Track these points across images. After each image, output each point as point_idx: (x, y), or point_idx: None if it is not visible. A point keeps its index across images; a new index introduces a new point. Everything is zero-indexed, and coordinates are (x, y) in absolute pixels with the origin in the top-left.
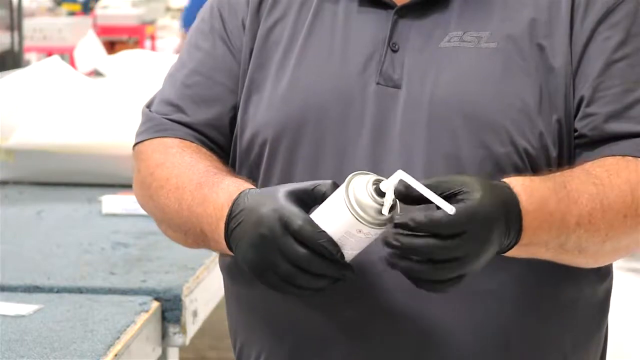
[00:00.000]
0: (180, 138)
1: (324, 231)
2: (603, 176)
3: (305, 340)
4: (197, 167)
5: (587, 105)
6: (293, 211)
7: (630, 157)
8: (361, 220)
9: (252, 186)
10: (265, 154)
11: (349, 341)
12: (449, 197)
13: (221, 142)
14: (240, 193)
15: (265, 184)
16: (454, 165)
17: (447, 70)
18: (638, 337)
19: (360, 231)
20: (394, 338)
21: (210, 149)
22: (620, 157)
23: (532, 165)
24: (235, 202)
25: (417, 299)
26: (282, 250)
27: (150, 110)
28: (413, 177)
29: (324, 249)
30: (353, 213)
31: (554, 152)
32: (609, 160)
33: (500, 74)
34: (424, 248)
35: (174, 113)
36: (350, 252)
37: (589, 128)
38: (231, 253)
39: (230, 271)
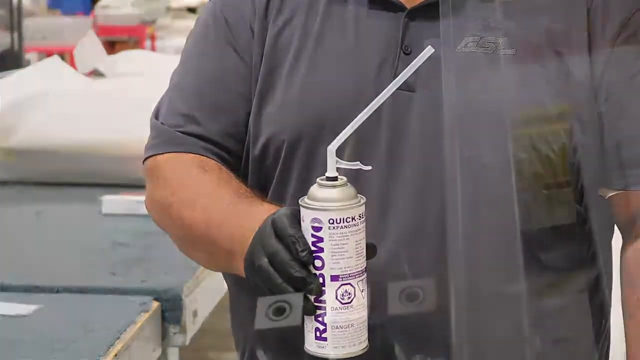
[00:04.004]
0: (196, 154)
1: (298, 233)
2: None
3: None
4: (227, 189)
5: (615, 121)
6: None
7: None
8: (319, 207)
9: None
10: (282, 157)
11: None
12: None
13: (238, 151)
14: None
15: (281, 188)
16: (476, 169)
17: (466, 75)
18: None
19: (333, 221)
20: (413, 343)
21: (227, 161)
22: None
23: (552, 171)
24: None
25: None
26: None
27: (161, 123)
28: (432, 180)
29: (293, 244)
30: (311, 207)
31: (572, 158)
32: None
33: (521, 80)
34: None
35: (187, 125)
36: (358, 248)
37: (620, 145)
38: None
39: (239, 280)
